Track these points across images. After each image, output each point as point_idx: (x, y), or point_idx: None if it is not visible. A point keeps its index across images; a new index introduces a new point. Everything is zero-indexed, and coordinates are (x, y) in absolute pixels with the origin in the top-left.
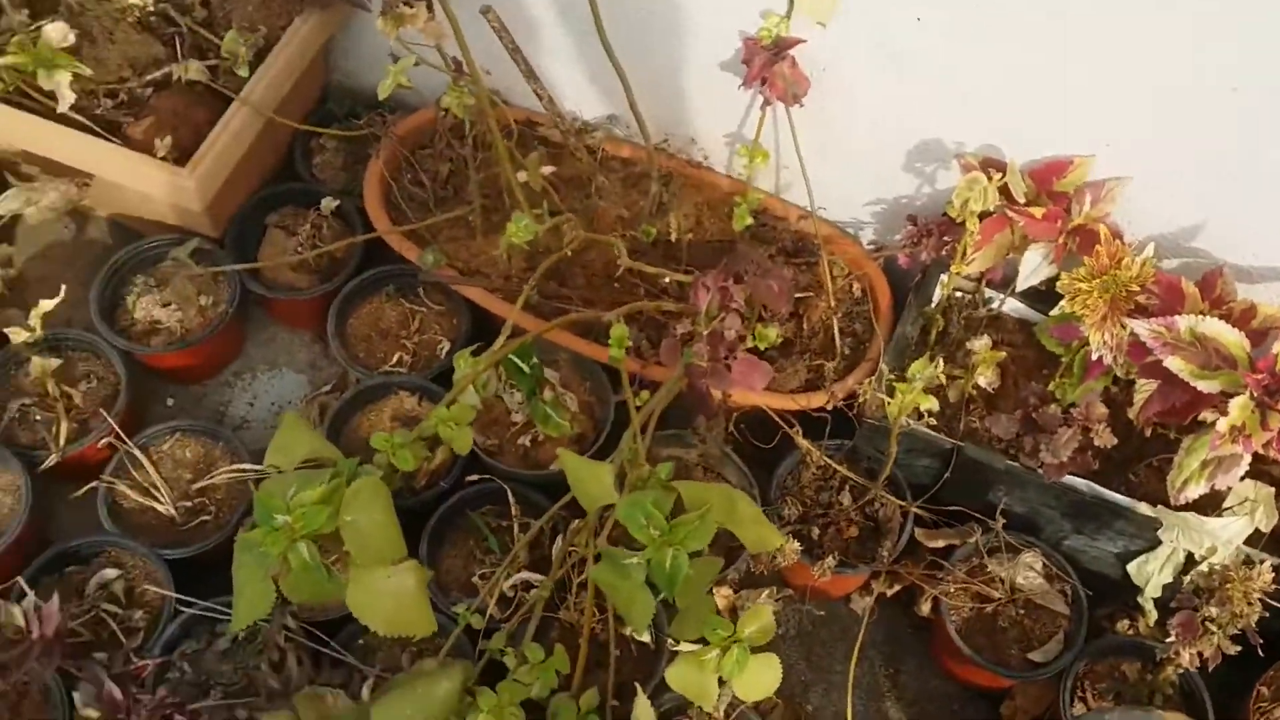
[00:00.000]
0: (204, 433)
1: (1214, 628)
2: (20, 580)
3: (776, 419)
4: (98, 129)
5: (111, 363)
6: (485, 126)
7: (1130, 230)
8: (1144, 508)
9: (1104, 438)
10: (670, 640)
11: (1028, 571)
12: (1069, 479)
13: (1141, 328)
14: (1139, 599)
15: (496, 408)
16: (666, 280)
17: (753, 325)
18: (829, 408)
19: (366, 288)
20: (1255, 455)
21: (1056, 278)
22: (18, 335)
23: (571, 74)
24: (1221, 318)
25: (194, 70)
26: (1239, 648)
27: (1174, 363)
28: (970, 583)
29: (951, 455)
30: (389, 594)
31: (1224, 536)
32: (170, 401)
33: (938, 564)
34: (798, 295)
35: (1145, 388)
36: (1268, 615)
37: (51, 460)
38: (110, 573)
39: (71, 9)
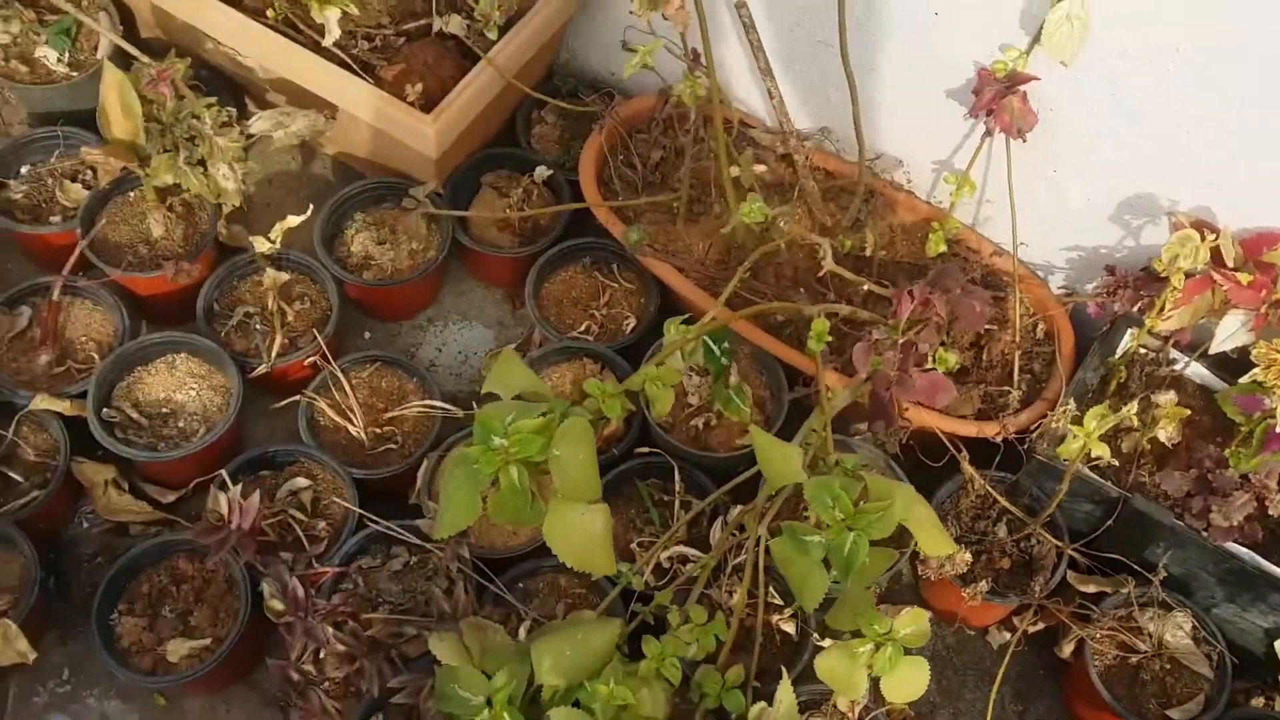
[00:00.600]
0: (402, 366)
1: None
2: (224, 473)
3: (946, 442)
4: (354, 67)
5: (325, 288)
6: (707, 119)
7: None
8: None
9: (1279, 508)
10: (815, 636)
11: (1176, 630)
12: (1232, 545)
13: None
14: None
15: (675, 388)
16: (865, 288)
17: (934, 348)
18: (998, 439)
19: (565, 256)
20: None
21: (1248, 347)
22: (261, 244)
23: (790, 84)
24: None
25: (455, 24)
26: None
27: None
28: (1119, 630)
29: (1116, 504)
30: (580, 530)
31: None
32: (367, 335)
33: (1085, 610)
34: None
35: None
36: None
37: (262, 369)
38: (301, 482)
39: None
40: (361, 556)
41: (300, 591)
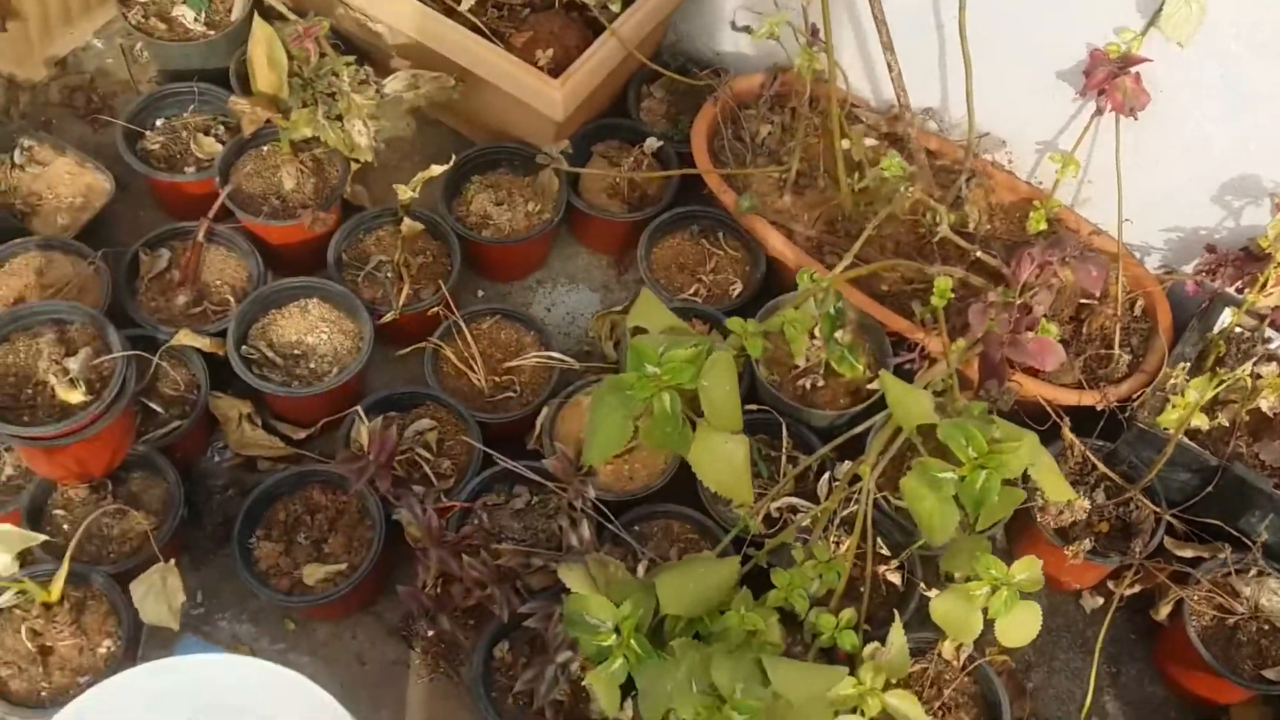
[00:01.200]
0: (520, 320)
1: None
2: (359, 409)
3: (1049, 409)
4: (486, 33)
5: (447, 244)
6: (814, 98)
7: None
8: None
9: None
10: (923, 586)
11: (1272, 595)
12: None
13: None
14: None
15: (782, 349)
16: (972, 258)
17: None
18: (1100, 407)
19: (674, 223)
20: None
21: None
22: (403, 193)
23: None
24: None
25: None
26: None
27: None
28: (1217, 593)
29: (1214, 473)
30: (725, 457)
31: None
32: (480, 294)
33: (1182, 574)
34: (1081, 302)
35: None
36: None
37: (389, 316)
38: (426, 423)
39: None
40: (485, 494)
41: (435, 520)
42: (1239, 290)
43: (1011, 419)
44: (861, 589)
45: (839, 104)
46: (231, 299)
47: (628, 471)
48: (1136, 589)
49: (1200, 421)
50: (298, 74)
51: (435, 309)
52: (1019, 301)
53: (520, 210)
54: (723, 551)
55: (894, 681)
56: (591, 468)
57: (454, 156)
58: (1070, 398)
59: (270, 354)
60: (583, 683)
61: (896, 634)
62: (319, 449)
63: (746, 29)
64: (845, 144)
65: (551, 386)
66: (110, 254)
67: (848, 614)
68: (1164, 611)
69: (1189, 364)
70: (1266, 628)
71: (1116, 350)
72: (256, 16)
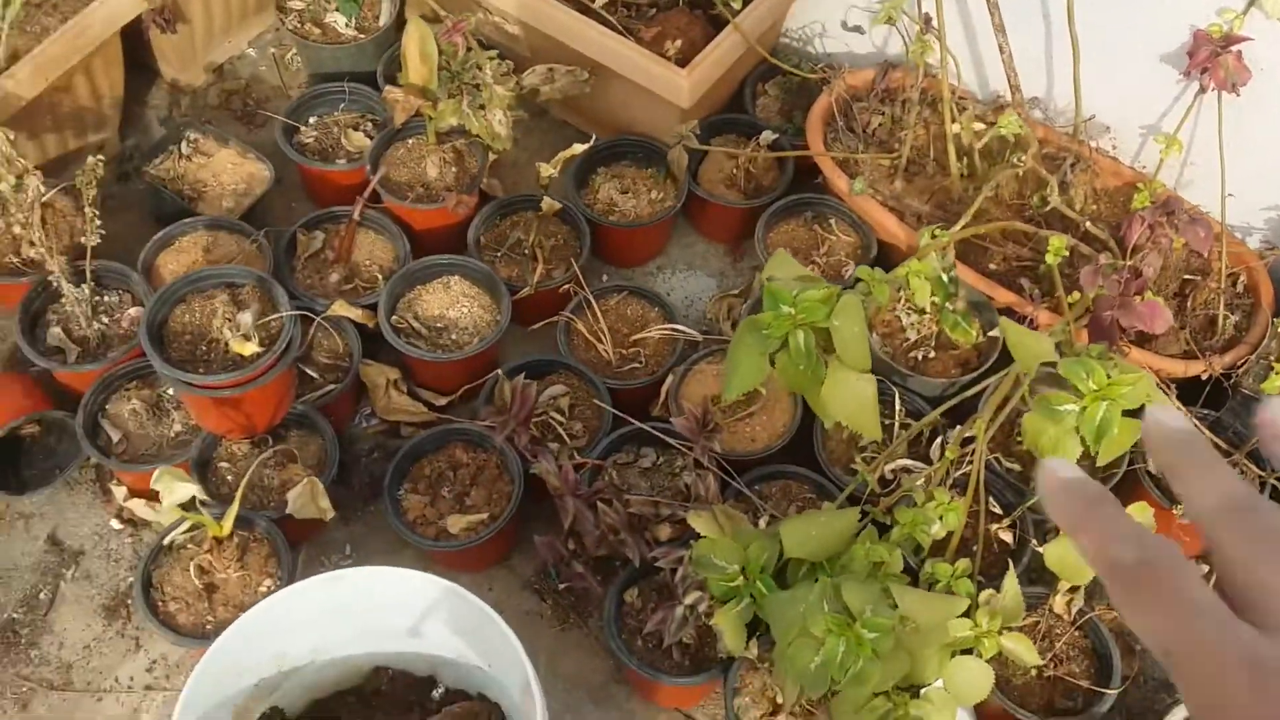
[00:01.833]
0: (645, 296)
1: None
2: (500, 371)
3: (1156, 379)
4: (619, 29)
5: (576, 228)
6: (924, 89)
7: None
8: None
9: None
10: (1034, 543)
11: None
12: None
13: None
14: None
15: (892, 322)
16: (1083, 229)
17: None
18: (1203, 378)
19: (788, 210)
20: None
21: None
22: (545, 170)
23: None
24: None
25: None
26: None
27: None
28: None
29: None
30: (854, 396)
31: None
32: (604, 278)
33: None
34: (1185, 277)
35: None
36: None
37: (525, 291)
38: (559, 389)
39: None
40: (614, 454)
41: (572, 473)
42: None
43: None
44: (975, 547)
45: (949, 90)
46: (380, 277)
47: (749, 433)
48: None
49: None
50: (445, 67)
51: (566, 286)
52: (1129, 264)
53: (644, 198)
54: (840, 506)
55: (1009, 627)
56: (717, 425)
57: (594, 138)
58: (1177, 368)
59: (416, 325)
60: (710, 622)
61: (1010, 582)
62: (459, 416)
63: (857, 29)
64: (955, 128)
65: (675, 358)
66: (270, 233)
67: (963, 563)
68: None
69: None
70: None
71: (1220, 322)
72: (413, 14)
